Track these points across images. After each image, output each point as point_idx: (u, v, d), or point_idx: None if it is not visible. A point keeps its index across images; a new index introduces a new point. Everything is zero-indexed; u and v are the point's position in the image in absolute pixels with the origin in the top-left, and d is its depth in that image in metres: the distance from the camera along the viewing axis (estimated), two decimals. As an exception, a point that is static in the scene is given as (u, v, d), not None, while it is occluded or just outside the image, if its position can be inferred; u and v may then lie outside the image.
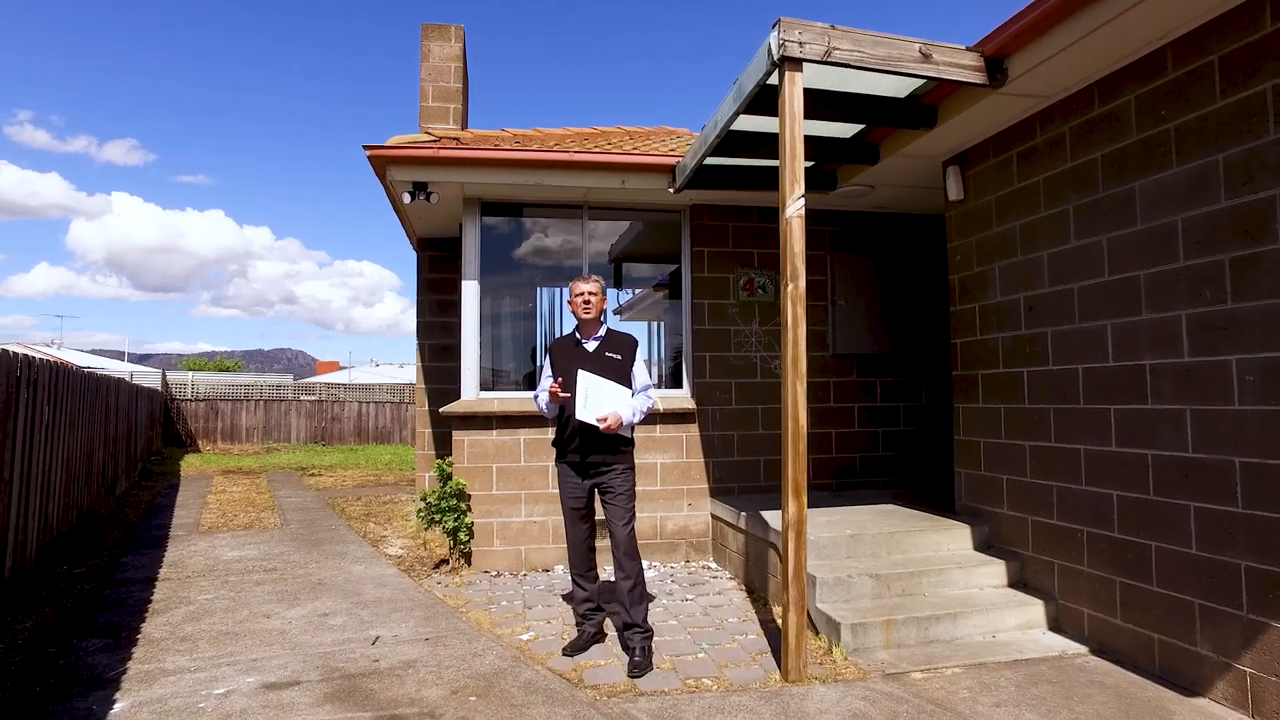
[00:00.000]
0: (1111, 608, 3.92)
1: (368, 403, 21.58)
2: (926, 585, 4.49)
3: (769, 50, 3.74)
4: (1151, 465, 3.69)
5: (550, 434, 5.45)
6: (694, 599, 5.14)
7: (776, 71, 3.77)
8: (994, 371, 4.85)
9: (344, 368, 53.08)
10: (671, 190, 5.95)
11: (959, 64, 3.95)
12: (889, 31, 3.86)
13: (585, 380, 3.90)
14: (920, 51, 3.85)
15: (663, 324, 7.79)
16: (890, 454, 6.85)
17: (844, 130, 5.19)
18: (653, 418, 6.13)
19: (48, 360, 5.92)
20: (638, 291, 7.93)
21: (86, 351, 38.37)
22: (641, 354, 4.21)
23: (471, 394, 6.18)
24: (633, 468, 4.10)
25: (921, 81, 4.27)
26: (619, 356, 4.08)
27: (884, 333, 6.92)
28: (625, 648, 3.99)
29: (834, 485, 6.67)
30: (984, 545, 4.90)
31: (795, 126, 3.71)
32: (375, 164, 5.82)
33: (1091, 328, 4.06)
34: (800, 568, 3.70)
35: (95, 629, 4.45)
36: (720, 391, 6.50)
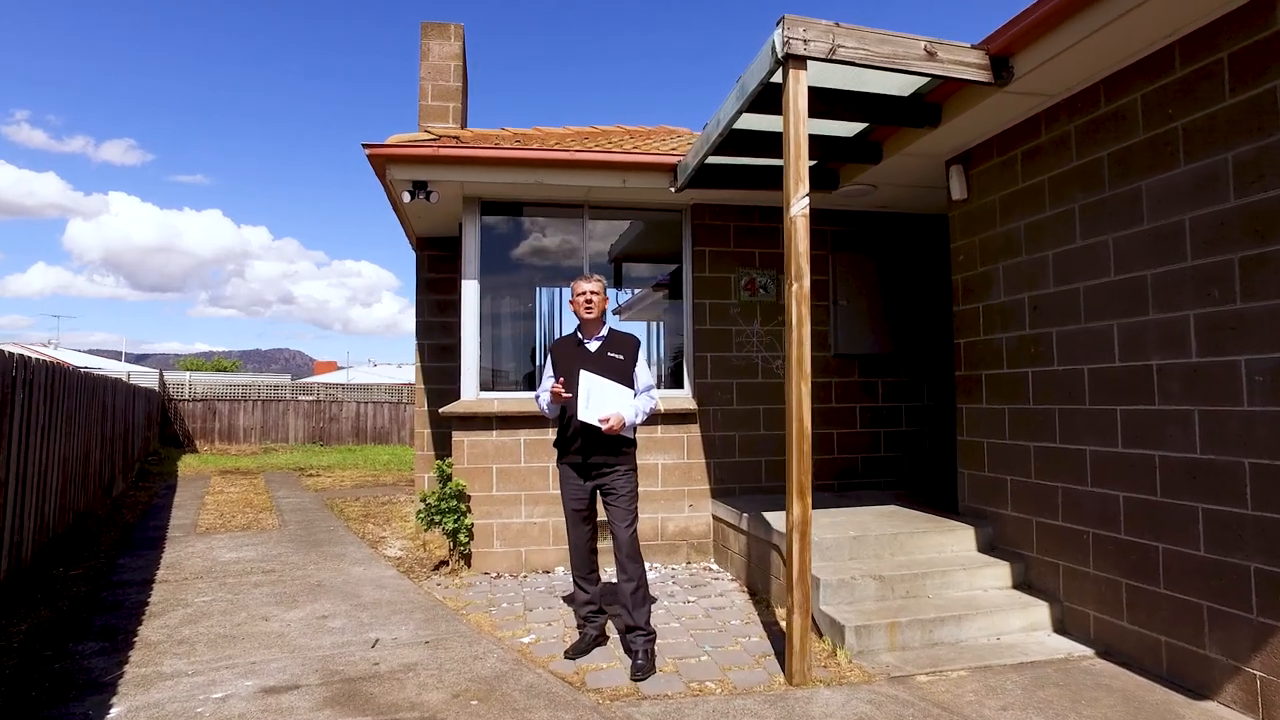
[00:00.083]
0: (1118, 610, 3.89)
1: (366, 403, 21.54)
2: (930, 587, 4.46)
3: (773, 47, 3.71)
4: (1159, 466, 3.66)
5: (551, 435, 5.41)
6: (696, 601, 5.11)
7: (780, 69, 3.73)
8: (998, 372, 4.82)
9: (342, 368, 52.99)
10: (673, 189, 5.91)
11: (964, 62, 3.93)
12: (889, 30, 3.84)
13: (587, 380, 3.86)
14: (925, 49, 3.83)
15: (663, 324, 7.75)
16: (892, 455, 6.83)
17: (846, 129, 5.16)
18: (654, 418, 6.10)
19: (44, 360, 5.87)
20: (638, 291, 7.88)
21: (83, 351, 38.24)
22: (643, 354, 4.18)
23: (471, 394, 6.14)
24: (635, 469, 4.06)
25: (926, 80, 4.25)
26: (621, 357, 4.05)
27: (886, 333, 6.89)
28: (628, 650, 3.96)
29: (836, 486, 6.63)
30: (988, 547, 4.87)
31: (799, 125, 3.67)
32: (375, 163, 5.79)
33: (1097, 328, 4.03)
34: (805, 570, 3.66)
35: (92, 632, 4.40)
36: (721, 392, 6.47)
